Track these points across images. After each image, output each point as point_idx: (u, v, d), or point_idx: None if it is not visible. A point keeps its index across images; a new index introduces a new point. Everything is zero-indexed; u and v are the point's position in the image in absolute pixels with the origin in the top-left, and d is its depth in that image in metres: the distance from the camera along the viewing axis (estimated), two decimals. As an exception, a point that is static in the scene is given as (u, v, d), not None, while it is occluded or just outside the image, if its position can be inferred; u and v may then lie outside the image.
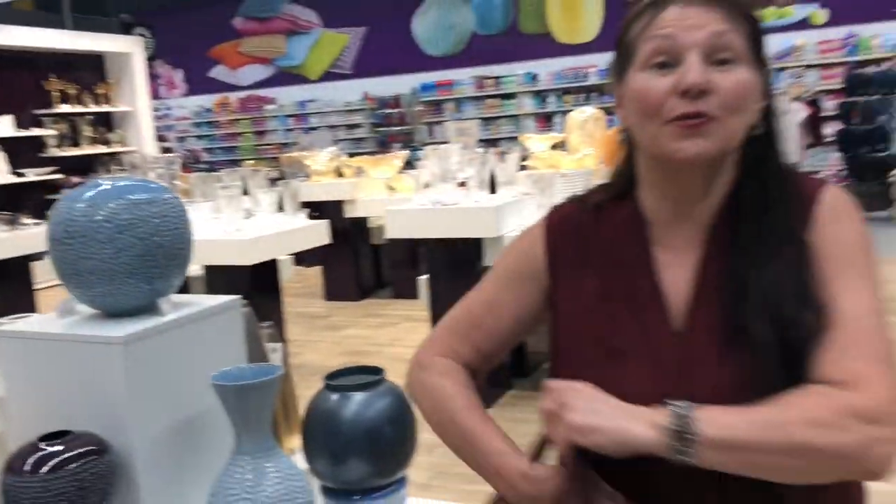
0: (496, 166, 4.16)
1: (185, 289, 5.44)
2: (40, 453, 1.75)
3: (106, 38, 9.33)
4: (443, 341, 1.22)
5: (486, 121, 13.09)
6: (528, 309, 1.15)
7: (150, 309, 2.09)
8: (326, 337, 5.83)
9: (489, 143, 12.97)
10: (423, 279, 4.38)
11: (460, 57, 13.42)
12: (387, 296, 7.11)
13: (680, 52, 0.94)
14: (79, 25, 9.25)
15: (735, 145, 0.98)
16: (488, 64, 13.00)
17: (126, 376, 1.87)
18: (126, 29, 10.38)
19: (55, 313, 2.16)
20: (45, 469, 1.74)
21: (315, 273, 7.65)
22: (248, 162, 11.20)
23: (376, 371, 2.34)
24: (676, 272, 1.03)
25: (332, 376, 2.34)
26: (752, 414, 0.87)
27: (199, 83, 15.69)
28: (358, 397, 2.28)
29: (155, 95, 16.00)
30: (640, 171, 1.07)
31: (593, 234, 1.10)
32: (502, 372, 4.43)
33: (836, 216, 1.00)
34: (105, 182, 2.03)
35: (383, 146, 13.51)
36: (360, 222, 7.01)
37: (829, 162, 10.61)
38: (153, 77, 15.91)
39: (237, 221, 4.83)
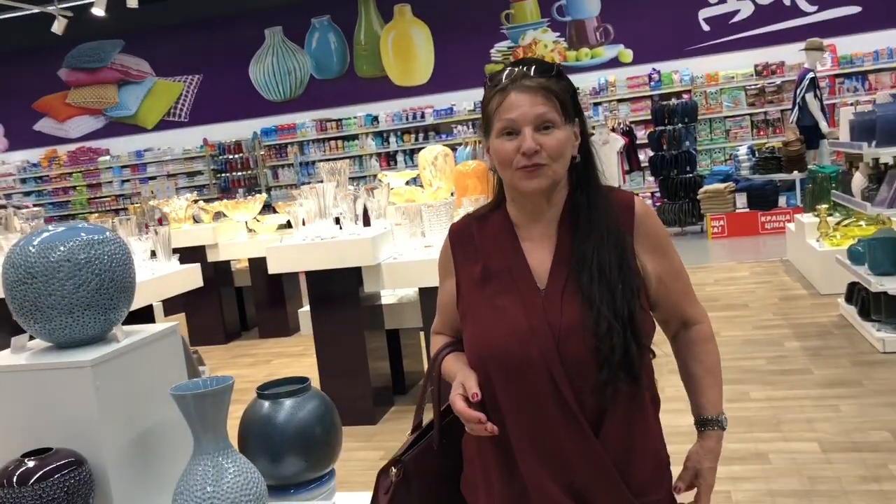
0: (368, 201, 4.54)
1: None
2: (25, 468, 1.98)
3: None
4: (435, 323, 1.76)
5: (330, 161, 13.42)
6: (454, 297, 1.65)
7: (102, 338, 2.33)
8: (203, 378, 5.93)
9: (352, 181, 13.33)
10: (305, 311, 4.67)
11: (300, 101, 13.73)
12: (254, 336, 7.25)
13: (519, 127, 1.47)
14: None
15: (562, 176, 1.52)
16: (328, 107, 13.39)
17: (96, 396, 2.10)
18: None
19: (9, 351, 2.36)
20: (33, 480, 1.97)
21: (177, 320, 7.66)
22: (93, 215, 10.88)
23: (302, 380, 2.67)
24: (538, 255, 1.55)
25: (263, 388, 2.66)
26: (713, 383, 1.63)
27: (22, 137, 14.99)
28: (288, 403, 2.62)
29: (-27, 151, 15.13)
30: (506, 193, 1.61)
31: (479, 235, 1.63)
32: (385, 392, 4.78)
33: (649, 215, 1.58)
34: (48, 229, 2.26)
35: (226, 191, 13.51)
36: (223, 265, 7.14)
37: (645, 184, 11.81)
38: (-30, 132, 15.05)
39: (111, 270, 4.90)
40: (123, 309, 2.30)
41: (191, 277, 5.42)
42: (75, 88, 14.64)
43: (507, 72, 1.53)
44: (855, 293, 5.37)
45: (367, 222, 4.60)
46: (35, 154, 14.97)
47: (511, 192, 1.58)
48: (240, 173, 13.85)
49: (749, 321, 5.81)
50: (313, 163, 13.28)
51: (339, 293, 4.43)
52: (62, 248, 2.16)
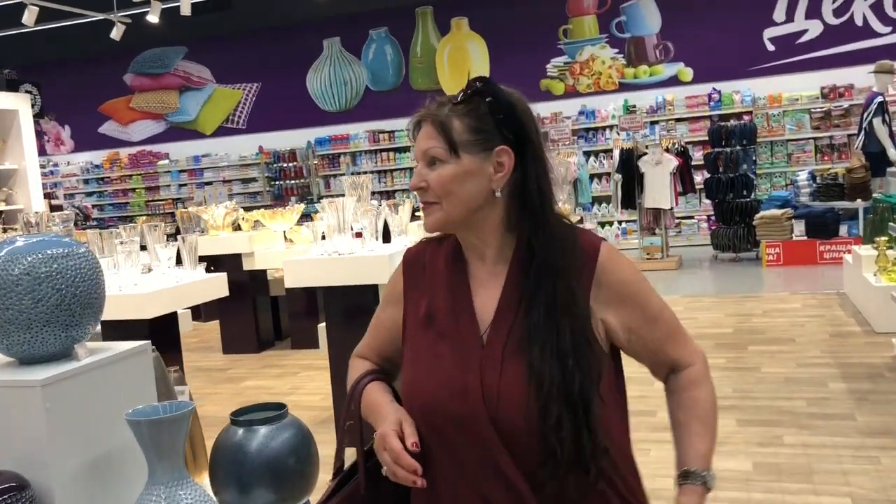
0: (389, 217, 4.43)
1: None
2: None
3: (-9, 96, 9.17)
4: (360, 345, 1.63)
5: (381, 173, 13.44)
6: (396, 324, 1.50)
7: (65, 355, 2.24)
8: (226, 389, 5.89)
9: (385, 195, 13.32)
10: (322, 326, 4.57)
11: (355, 112, 13.77)
12: (286, 347, 7.21)
13: (418, 161, 1.39)
14: (-39, 82, 9.06)
15: (459, 216, 1.36)
16: (382, 119, 13.39)
17: (45, 417, 2.01)
18: (12, 86, 10.19)
19: (-31, 363, 2.28)
20: (-34, 505, 1.87)
21: (213, 327, 7.67)
22: (140, 218, 11.07)
23: (279, 407, 2.54)
24: (484, 296, 1.40)
25: (237, 413, 2.53)
26: (702, 431, 1.41)
27: (87, 139, 15.43)
28: (262, 431, 2.49)
29: (41, 152, 15.61)
30: None
31: (430, 265, 1.47)
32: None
33: (614, 264, 1.39)
34: (19, 239, 2.19)
35: (279, 199, 13.63)
36: (259, 275, 7.13)
37: (700, 207, 11.44)
38: (39, 134, 15.54)
39: (135, 276, 4.89)
40: (88, 325, 2.21)
41: (216, 286, 5.38)
42: (139, 93, 15.00)
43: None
44: (909, 334, 5.01)
45: (387, 239, 4.49)
46: (98, 156, 15.38)
47: None
48: (293, 182, 13.95)
49: (793, 357, 5.48)
50: (364, 173, 13.28)
51: (355, 310, 4.31)
52: (24, 262, 2.09)
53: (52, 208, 10.07)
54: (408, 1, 13.04)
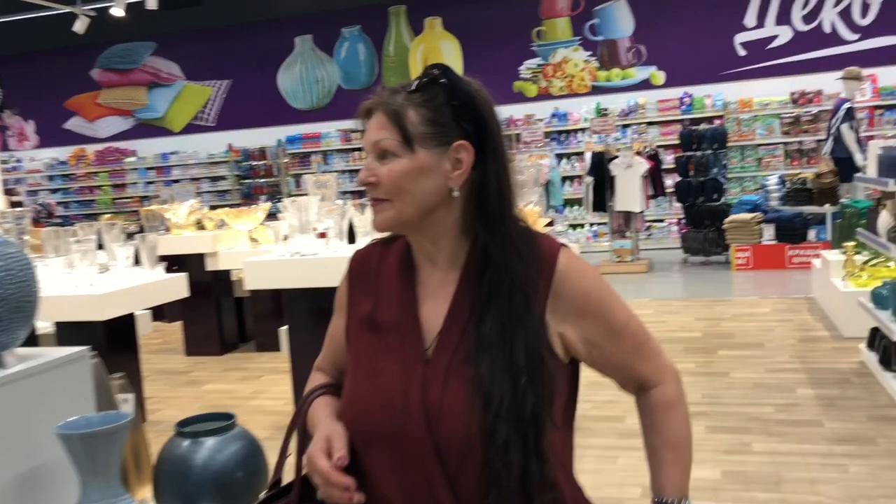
0: (355, 217, 4.31)
1: (33, 346, 5.20)
2: None
3: (-51, 88, 8.92)
4: (319, 357, 1.51)
5: (353, 172, 13.31)
6: (343, 333, 1.40)
7: (-7, 362, 2.10)
8: (187, 393, 5.74)
9: (357, 194, 13.18)
10: (284, 330, 4.45)
11: (326, 110, 13.62)
12: (250, 349, 7.06)
13: (367, 153, 1.27)
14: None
15: (413, 216, 1.24)
16: (354, 117, 13.18)
17: (-33, 429, 1.87)
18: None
19: None
20: None
21: (176, 328, 7.50)
22: (104, 216, 10.82)
23: (227, 417, 2.41)
24: (432, 306, 1.28)
25: (183, 423, 2.40)
26: (675, 458, 1.32)
27: (52, 135, 15.10)
28: (209, 443, 2.35)
29: (4, 147, 15.27)
30: None
31: (378, 268, 1.36)
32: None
33: (574, 272, 1.27)
34: (-53, 237, 2.05)
35: (249, 198, 13.43)
36: (223, 275, 6.97)
37: (671, 210, 11.45)
38: (1, 129, 15.20)
39: (91, 276, 4.74)
40: (18, 331, 2.08)
41: (176, 287, 5.23)
42: (106, 89, 14.72)
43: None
44: (877, 340, 5.00)
45: (352, 239, 4.37)
46: (63, 152, 15.07)
47: None
48: (263, 180, 13.77)
49: (762, 363, 5.45)
50: (336, 172, 13.14)
51: (318, 313, 4.19)
52: (-52, 261, 1.95)
53: (13, 205, 9.82)
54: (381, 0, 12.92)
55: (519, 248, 1.25)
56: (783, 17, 11.28)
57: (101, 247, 5.17)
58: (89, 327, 4.71)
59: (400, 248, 1.35)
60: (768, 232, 9.28)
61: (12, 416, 1.99)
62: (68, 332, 4.83)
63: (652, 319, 6.99)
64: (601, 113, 11.60)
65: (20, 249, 2.12)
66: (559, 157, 11.80)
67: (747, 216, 9.40)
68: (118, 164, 14.60)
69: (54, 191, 14.99)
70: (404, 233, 1.30)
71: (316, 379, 1.46)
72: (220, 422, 2.29)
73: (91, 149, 14.87)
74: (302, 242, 4.17)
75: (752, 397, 4.76)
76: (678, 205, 10.53)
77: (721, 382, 5.07)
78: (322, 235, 4.33)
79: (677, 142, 10.64)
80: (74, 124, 14.99)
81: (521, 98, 12.43)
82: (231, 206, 10.42)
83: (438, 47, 12.86)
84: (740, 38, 11.47)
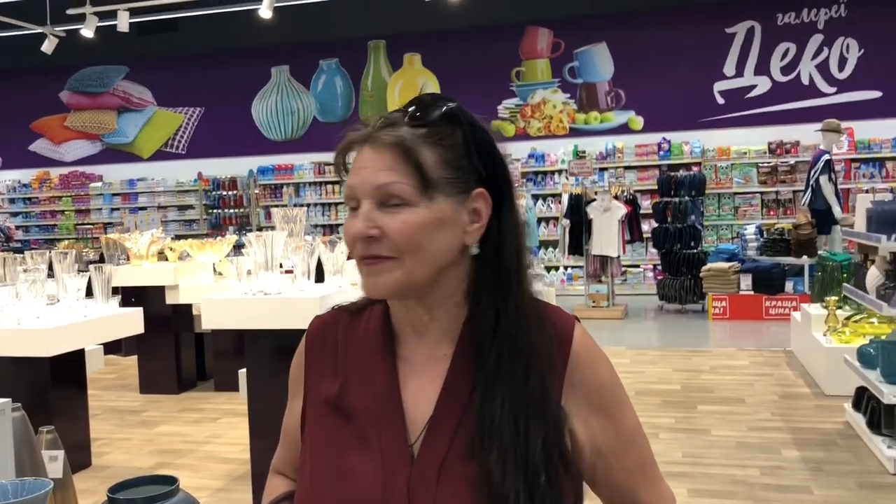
0: (324, 255, 4.06)
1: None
2: None
3: None
4: (276, 457, 1.25)
5: (326, 206, 13.07)
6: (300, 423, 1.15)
7: None
8: (138, 434, 5.38)
9: (330, 228, 12.91)
10: (243, 372, 4.16)
11: (300, 142, 13.39)
12: (209, 388, 6.71)
13: (359, 199, 1.02)
14: None
15: (423, 278, 1.01)
16: (329, 150, 12.89)
17: None
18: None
19: None
20: None
21: (131, 363, 7.13)
22: (63, 242, 10.43)
23: (169, 480, 2.12)
24: (417, 387, 1.05)
25: (117, 488, 2.09)
26: None
27: (15, 156, 14.68)
28: (146, 512, 2.04)
29: (-35, 167, 14.82)
30: None
31: (345, 340, 1.11)
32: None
33: (591, 354, 1.07)
34: None
35: (217, 228, 13.10)
36: (183, 309, 6.64)
37: (647, 256, 11.33)
38: (-37, 148, 14.76)
39: (38, 308, 4.42)
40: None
41: (130, 322, 4.93)
42: (75, 112, 14.37)
43: (375, 118, 1.05)
44: (864, 400, 4.81)
45: (320, 278, 4.11)
46: (27, 174, 14.64)
47: None
48: (232, 210, 13.45)
49: (744, 420, 5.24)
50: (309, 206, 12.88)
51: (280, 356, 3.90)
52: None
53: (-32, 227, 9.42)
54: (360, 33, 12.80)
55: (532, 319, 1.04)
56: (762, 68, 11.32)
57: (52, 276, 4.87)
58: (34, 362, 4.39)
59: (374, 316, 1.10)
60: (745, 281, 9.15)
61: None
62: (11, 367, 4.50)
63: (629, 370, 6.78)
64: (579, 155, 11.51)
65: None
66: (535, 197, 11.66)
67: (725, 265, 9.28)
68: (83, 189, 14.20)
69: (15, 214, 14.53)
70: (405, 299, 1.04)
71: (275, 487, 1.21)
72: (162, 486, 2.01)
73: (56, 172, 14.47)
74: (266, 280, 3.90)
75: (736, 458, 4.53)
76: (654, 251, 10.41)
77: (702, 440, 4.85)
78: (289, 272, 4.06)
79: (655, 187, 10.56)
80: (40, 146, 14.59)
81: (498, 137, 12.27)
82: (197, 236, 10.11)
83: (417, 83, 12.73)
84: (719, 86, 11.48)
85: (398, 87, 12.88)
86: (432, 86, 12.66)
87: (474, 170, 1.03)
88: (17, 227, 14.07)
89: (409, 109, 1.03)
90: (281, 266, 4.00)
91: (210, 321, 3.93)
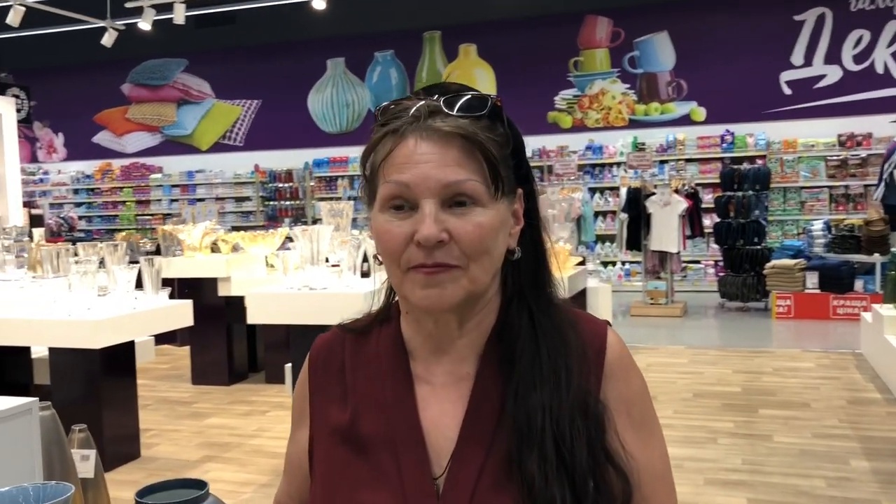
0: (370, 249, 3.98)
1: (27, 373, 4.92)
2: None
3: (-27, 97, 8.79)
4: (279, 489, 1.15)
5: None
6: (307, 454, 1.04)
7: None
8: (188, 426, 5.39)
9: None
10: (289, 366, 4.10)
11: (355, 134, 13.38)
12: (259, 380, 6.71)
13: (416, 199, 0.89)
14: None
15: (485, 285, 0.93)
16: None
17: None
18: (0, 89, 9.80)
19: None
20: None
21: (185, 353, 7.18)
22: (121, 233, 10.61)
23: (200, 485, 2.04)
24: (439, 411, 0.94)
25: (144, 492, 2.02)
26: None
27: (80, 148, 15.04)
28: (172, 520, 1.96)
29: (32, 159, 15.24)
30: (398, 301, 0.99)
31: (352, 363, 1.00)
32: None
33: (625, 368, 0.96)
34: None
35: (273, 220, 13.20)
36: (235, 301, 6.64)
37: (708, 252, 10.99)
38: (32, 140, 15.18)
39: (89, 300, 4.44)
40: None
41: (179, 314, 4.92)
42: (136, 104, 14.63)
43: (410, 104, 0.91)
44: (941, 409, 4.52)
45: (367, 273, 4.03)
46: (90, 166, 14.98)
47: (404, 303, 0.98)
48: (288, 203, 13.53)
49: (809, 426, 4.99)
50: (356, 198, 12.85)
51: (325, 353, 3.84)
52: None
53: (32, 218, 9.64)
54: (416, 24, 12.71)
55: (563, 325, 0.95)
56: (833, 56, 10.85)
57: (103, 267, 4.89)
58: (85, 353, 4.41)
59: (386, 334, 0.99)
60: (812, 279, 8.78)
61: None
62: (62, 358, 4.54)
63: (687, 370, 6.55)
64: (638, 147, 11.22)
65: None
66: (592, 191, 11.42)
67: (790, 262, 8.93)
68: (143, 180, 14.47)
69: (79, 204, 14.87)
70: (465, 309, 0.93)
71: None
72: (191, 491, 1.94)
73: (117, 163, 14.77)
74: (312, 274, 3.83)
75: (800, 467, 4.30)
76: (716, 246, 10.09)
77: (763, 447, 4.62)
78: (335, 267, 3.99)
79: (717, 181, 10.23)
80: (102, 138, 14.92)
81: (555, 129, 12.10)
82: (254, 227, 10.16)
83: (472, 74, 12.59)
84: (786, 76, 11.05)
85: (453, 78, 12.75)
86: (488, 76, 12.51)
87: (515, 167, 0.95)
88: (81, 218, 14.39)
89: (453, 97, 0.91)
90: (327, 260, 3.93)
91: (255, 315, 3.88)
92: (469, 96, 0.91)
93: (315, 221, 13.18)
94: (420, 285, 0.88)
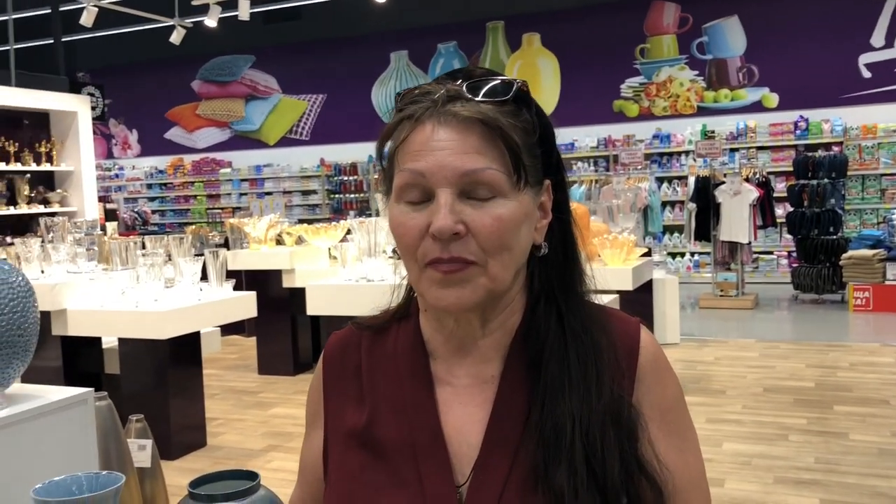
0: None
1: (98, 362, 5.04)
2: None
3: (51, 96, 9.06)
4: (293, 494, 1.10)
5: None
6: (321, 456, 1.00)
7: (-20, 404, 1.81)
8: (253, 416, 5.48)
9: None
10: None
11: (419, 127, 13.39)
12: (324, 370, 6.78)
13: (432, 188, 0.83)
14: (25, 83, 8.99)
15: (506, 283, 0.87)
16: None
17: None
18: (75, 87, 10.13)
19: None
20: None
21: (254, 344, 7.31)
22: (191, 227, 10.89)
23: (251, 476, 2.04)
24: (462, 414, 0.89)
25: (197, 482, 2.03)
26: None
27: (153, 144, 15.47)
28: (226, 509, 1.97)
29: (108, 155, 15.75)
30: (418, 298, 0.94)
31: (368, 363, 0.95)
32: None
33: (660, 370, 0.91)
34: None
35: (338, 213, 13.34)
36: (299, 292, 6.72)
37: (781, 242, 10.64)
38: (107, 137, 15.69)
39: (156, 291, 4.54)
40: (8, 369, 1.78)
41: (244, 306, 5.00)
42: (206, 100, 14.97)
43: (431, 88, 0.86)
44: None
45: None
46: (163, 161, 15.39)
47: (423, 300, 0.93)
48: (353, 196, 13.66)
49: (888, 424, 4.77)
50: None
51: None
52: (-74, 286, 1.67)
53: (107, 212, 9.95)
54: (478, 15, 12.64)
55: (593, 324, 0.90)
56: (915, 37, 10.36)
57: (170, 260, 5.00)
58: (153, 343, 4.51)
59: (404, 333, 0.95)
60: (892, 271, 8.40)
61: (-13, 473, 1.68)
62: (131, 348, 4.66)
63: (757, 364, 6.35)
64: (707, 135, 10.92)
65: (20, 275, 1.83)
66: (660, 180, 11.18)
67: (868, 252, 8.56)
68: (213, 175, 14.79)
69: (152, 199, 15.31)
70: (485, 307, 0.88)
71: None
72: (242, 482, 1.94)
73: (189, 159, 15.14)
74: (370, 266, 3.83)
75: (878, 467, 4.11)
76: (789, 237, 9.76)
77: (838, 445, 4.43)
78: (392, 257, 3.98)
79: (790, 169, 9.89)
80: (174, 134, 15.31)
81: (621, 118, 11.88)
82: (319, 220, 10.29)
83: (536, 64, 12.46)
84: (865, 58, 10.59)
85: (516, 68, 12.63)
86: (552, 66, 12.36)
87: (542, 157, 0.89)
88: (154, 212, 14.81)
89: (475, 82, 0.85)
90: (385, 252, 3.93)
91: (315, 307, 3.90)
92: (493, 81, 0.85)
93: (379, 214, 13.27)
94: (437, 284, 0.83)
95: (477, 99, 0.84)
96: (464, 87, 0.85)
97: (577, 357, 0.86)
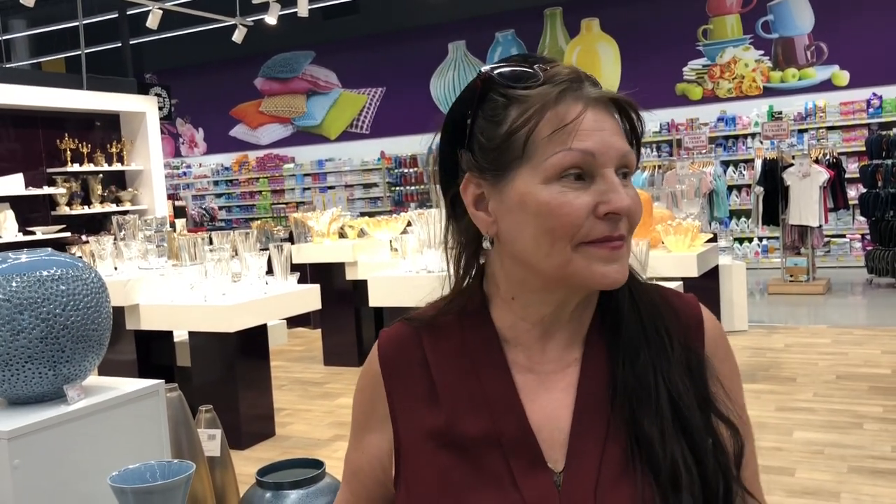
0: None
1: (169, 355, 5.21)
2: None
3: (120, 98, 9.36)
4: (340, 494, 1.06)
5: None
6: (386, 459, 0.96)
7: (59, 395, 1.89)
8: (319, 406, 5.58)
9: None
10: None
11: (478, 117, 13.36)
12: (388, 361, 6.85)
13: (598, 168, 0.83)
14: (96, 86, 9.31)
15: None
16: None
17: (11, 474, 1.66)
18: (143, 89, 10.44)
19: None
20: None
21: (319, 336, 7.44)
22: (256, 222, 11.12)
23: (317, 464, 2.09)
24: (548, 401, 0.89)
25: (265, 471, 2.09)
26: None
27: (218, 142, 15.83)
28: (293, 496, 2.03)
29: (177, 154, 16.18)
30: (495, 286, 0.92)
31: (435, 360, 0.93)
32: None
33: (723, 346, 0.96)
34: (12, 257, 1.85)
35: (399, 205, 13.44)
36: (362, 284, 6.81)
37: (854, 225, 10.30)
38: (175, 136, 16.11)
39: (223, 285, 4.66)
40: (84, 362, 1.85)
41: (308, 298, 5.09)
42: (268, 97, 15.23)
43: (544, 68, 0.87)
44: None
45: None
46: (228, 158, 15.74)
47: (518, 285, 0.89)
48: (413, 188, 13.73)
49: (970, 413, 4.59)
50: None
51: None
52: (6, 286, 1.75)
53: (176, 209, 10.23)
54: (536, 2, 12.53)
55: (658, 299, 0.95)
56: None
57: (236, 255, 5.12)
58: (221, 336, 4.64)
59: (473, 324, 0.92)
60: (974, 252, 8.06)
61: (69, 459, 1.76)
62: (200, 341, 4.79)
63: (830, 350, 6.17)
64: (774, 117, 10.62)
65: (93, 271, 1.90)
66: (725, 164, 10.93)
67: (948, 233, 8.22)
68: (277, 171, 15.06)
69: (219, 195, 15.67)
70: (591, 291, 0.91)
71: None
72: (308, 470, 1.99)
73: (253, 155, 15.44)
74: (430, 257, 3.85)
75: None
76: (862, 219, 9.44)
77: (918, 434, 4.29)
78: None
79: (862, 149, 9.55)
80: (239, 131, 15.63)
81: (684, 101, 11.65)
82: (381, 213, 10.37)
83: (596, 49, 12.30)
84: (941, 31, 10.15)
85: (576, 54, 12.50)
86: (612, 51, 12.18)
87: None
88: (220, 208, 15.16)
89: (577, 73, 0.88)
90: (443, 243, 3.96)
91: (377, 298, 3.95)
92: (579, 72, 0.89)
93: (437, 206, 13.30)
94: (601, 261, 0.83)
95: (597, 86, 0.88)
96: (582, 73, 0.88)
97: (651, 319, 0.90)
